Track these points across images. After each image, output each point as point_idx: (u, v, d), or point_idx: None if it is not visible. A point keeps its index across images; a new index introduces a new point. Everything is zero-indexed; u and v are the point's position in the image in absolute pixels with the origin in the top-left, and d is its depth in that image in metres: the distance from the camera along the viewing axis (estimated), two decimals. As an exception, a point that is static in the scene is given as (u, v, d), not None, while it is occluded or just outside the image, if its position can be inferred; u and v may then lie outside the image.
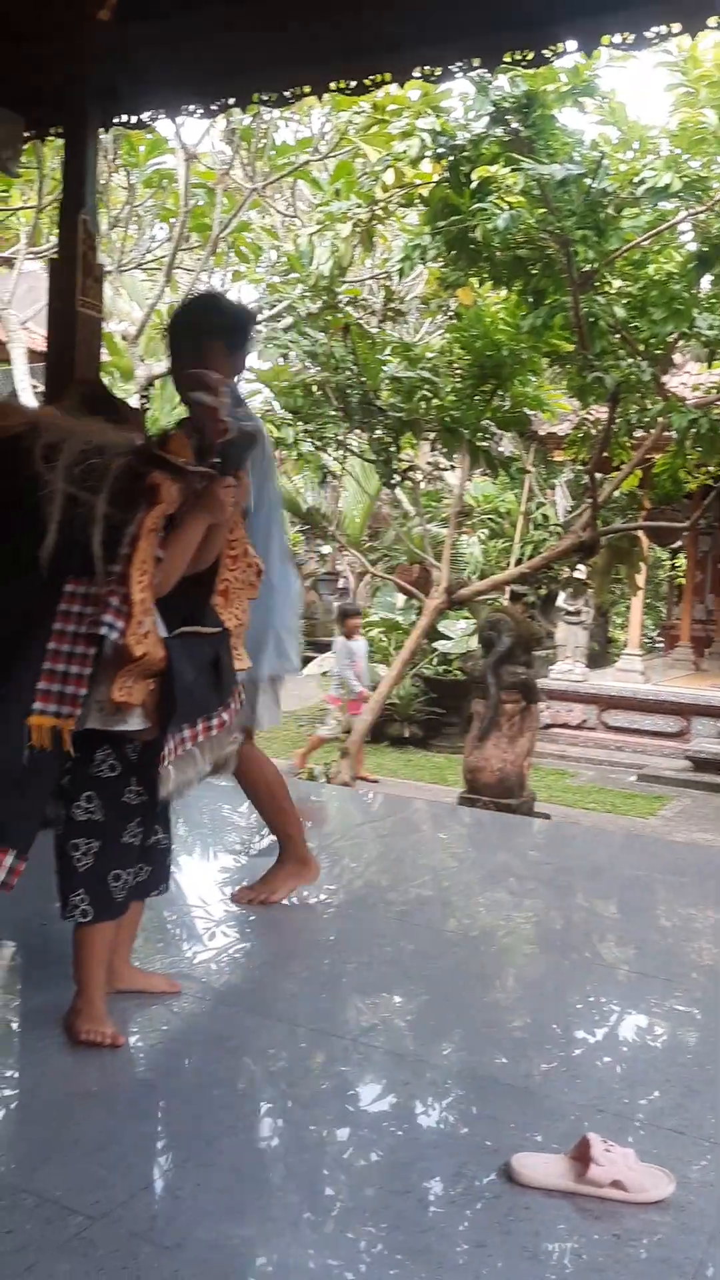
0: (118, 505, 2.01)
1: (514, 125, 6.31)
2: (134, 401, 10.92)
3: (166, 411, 14.85)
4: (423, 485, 10.93)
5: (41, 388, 11.46)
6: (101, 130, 4.60)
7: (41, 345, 11.65)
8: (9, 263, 10.17)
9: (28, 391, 10.82)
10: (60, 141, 6.22)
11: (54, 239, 10.18)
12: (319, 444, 9.17)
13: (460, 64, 4.19)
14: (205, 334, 2.69)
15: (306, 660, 17.02)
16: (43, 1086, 2.04)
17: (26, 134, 5.43)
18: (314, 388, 8.52)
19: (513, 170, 6.14)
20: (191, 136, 9.74)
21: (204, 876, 3.49)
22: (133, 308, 11.41)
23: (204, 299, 3.29)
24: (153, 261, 11.08)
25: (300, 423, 8.75)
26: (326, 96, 4.85)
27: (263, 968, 2.74)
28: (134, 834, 2.22)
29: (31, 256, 10.09)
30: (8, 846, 1.96)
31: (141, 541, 2.01)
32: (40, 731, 2.00)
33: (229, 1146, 1.86)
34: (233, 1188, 1.73)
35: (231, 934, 2.94)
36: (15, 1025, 2.38)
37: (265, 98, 4.62)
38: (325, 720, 9.90)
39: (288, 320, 9.11)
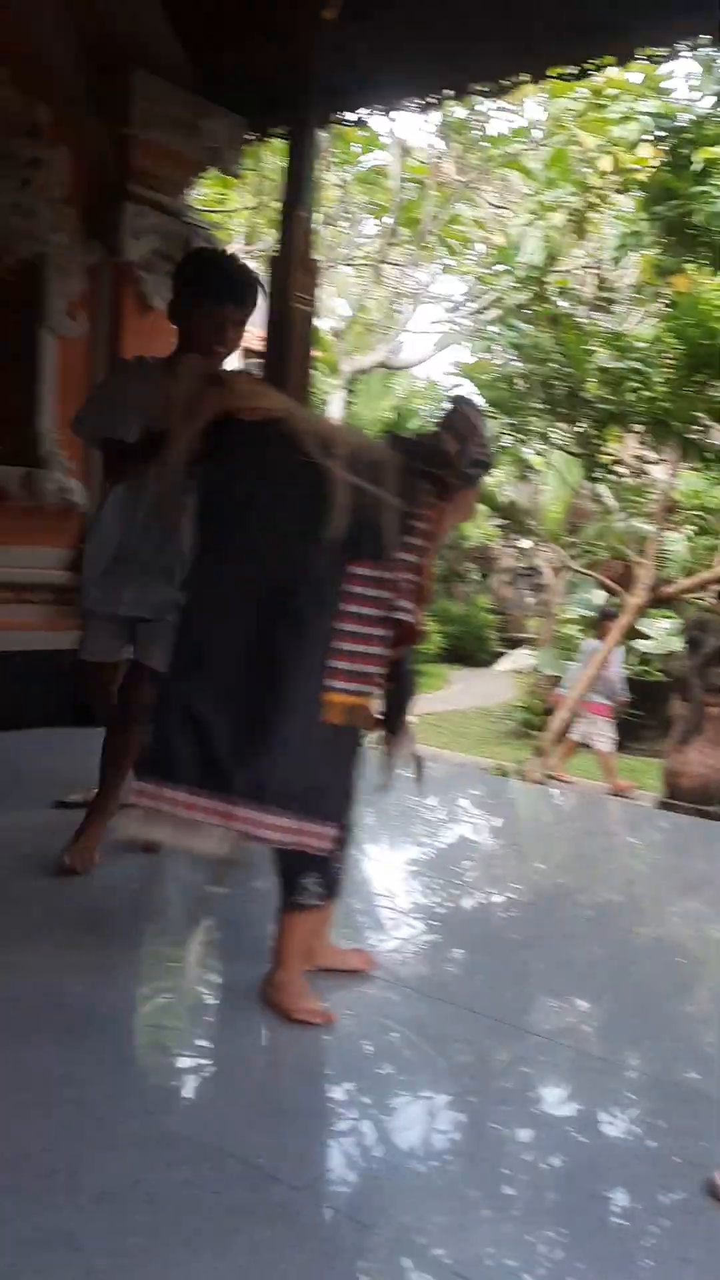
0: (405, 498, 2.13)
1: (741, 104, 6.04)
2: (338, 396, 11.14)
3: (369, 405, 15.06)
4: (628, 479, 10.62)
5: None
6: (321, 128, 4.69)
7: (254, 343, 12.07)
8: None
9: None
10: (277, 141, 6.41)
11: (268, 238, 10.50)
12: (521, 438, 9.08)
13: (687, 42, 4.04)
14: (213, 299, 2.79)
15: (498, 656, 16.93)
16: (248, 1056, 2.11)
17: (248, 136, 5.61)
18: (518, 380, 8.44)
19: (739, 151, 5.88)
20: (405, 131, 9.82)
21: (389, 868, 3.53)
22: (338, 303, 11.61)
23: (212, 257, 3.18)
24: (361, 257, 11.24)
25: (503, 416, 8.68)
26: (545, 83, 4.76)
27: (450, 961, 2.75)
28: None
29: (246, 257, 10.43)
30: (328, 821, 2.11)
31: (437, 534, 2.17)
32: (338, 708, 2.11)
33: (421, 1134, 1.88)
34: (425, 1175, 1.75)
35: (418, 925, 2.95)
36: (218, 997, 2.47)
37: (483, 88, 4.60)
38: (593, 728, 9.05)
39: (495, 313, 9.05)
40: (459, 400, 2.35)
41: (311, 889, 2.21)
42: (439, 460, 2.17)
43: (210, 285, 2.85)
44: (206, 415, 2.20)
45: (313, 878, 2.21)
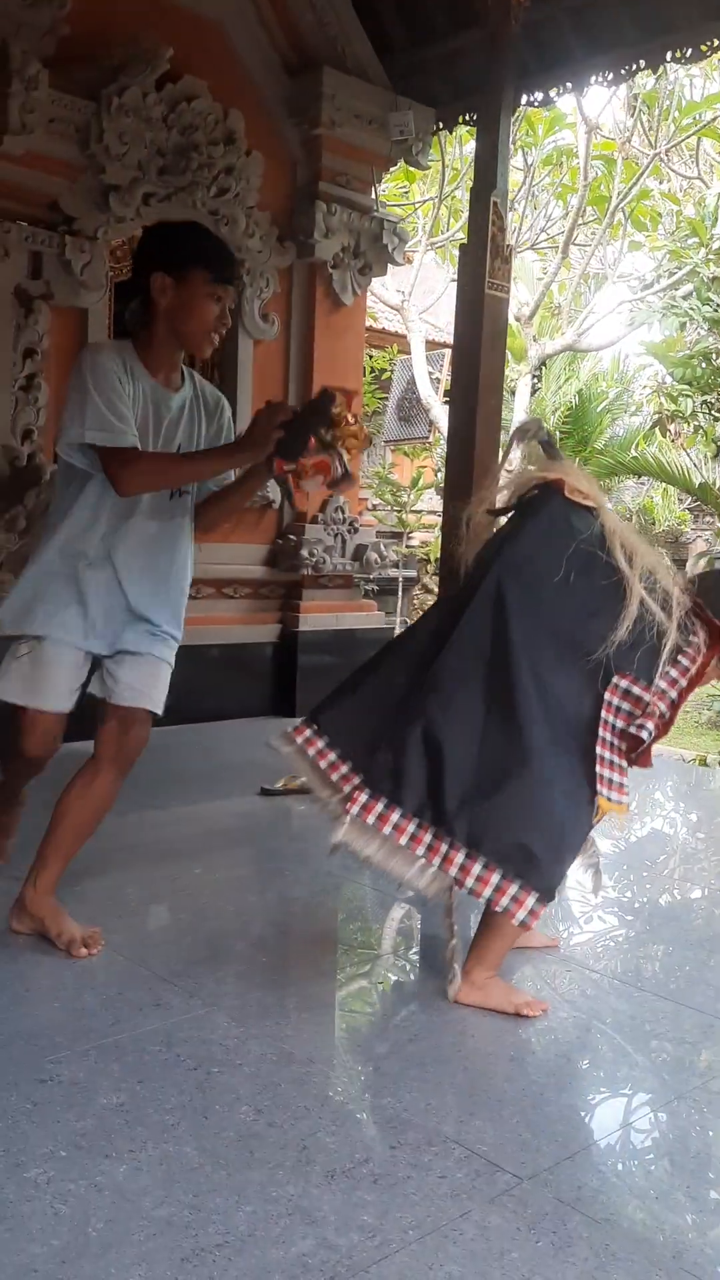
0: (682, 630, 2.26)
1: None
2: (526, 382, 10.99)
3: (554, 390, 14.79)
4: None
5: (439, 375, 11.87)
6: (511, 112, 4.64)
7: (435, 335, 12.05)
8: (409, 256, 10.58)
9: (425, 380, 11.24)
10: (463, 130, 6.38)
11: (452, 229, 10.46)
12: (718, 415, 8.72)
13: None
14: (188, 260, 2.40)
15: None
16: (466, 1046, 2.13)
17: (436, 125, 5.61)
18: (715, 355, 8.10)
19: None
20: (592, 108, 9.59)
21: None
22: (523, 289, 11.45)
23: (185, 225, 2.80)
24: (546, 240, 11.04)
25: (698, 393, 8.36)
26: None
27: (652, 957, 2.68)
28: None
29: (430, 248, 10.42)
30: (534, 891, 2.16)
31: (699, 677, 2.30)
32: (604, 814, 2.28)
33: (648, 1129, 1.85)
34: (658, 1172, 1.72)
35: (618, 919, 2.91)
36: (431, 988, 2.50)
37: (679, 55, 4.44)
38: None
39: (687, 288, 8.72)
40: None
41: (529, 907, 2.17)
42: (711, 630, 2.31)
43: (216, 257, 2.46)
44: (538, 480, 2.38)
45: (533, 897, 2.17)
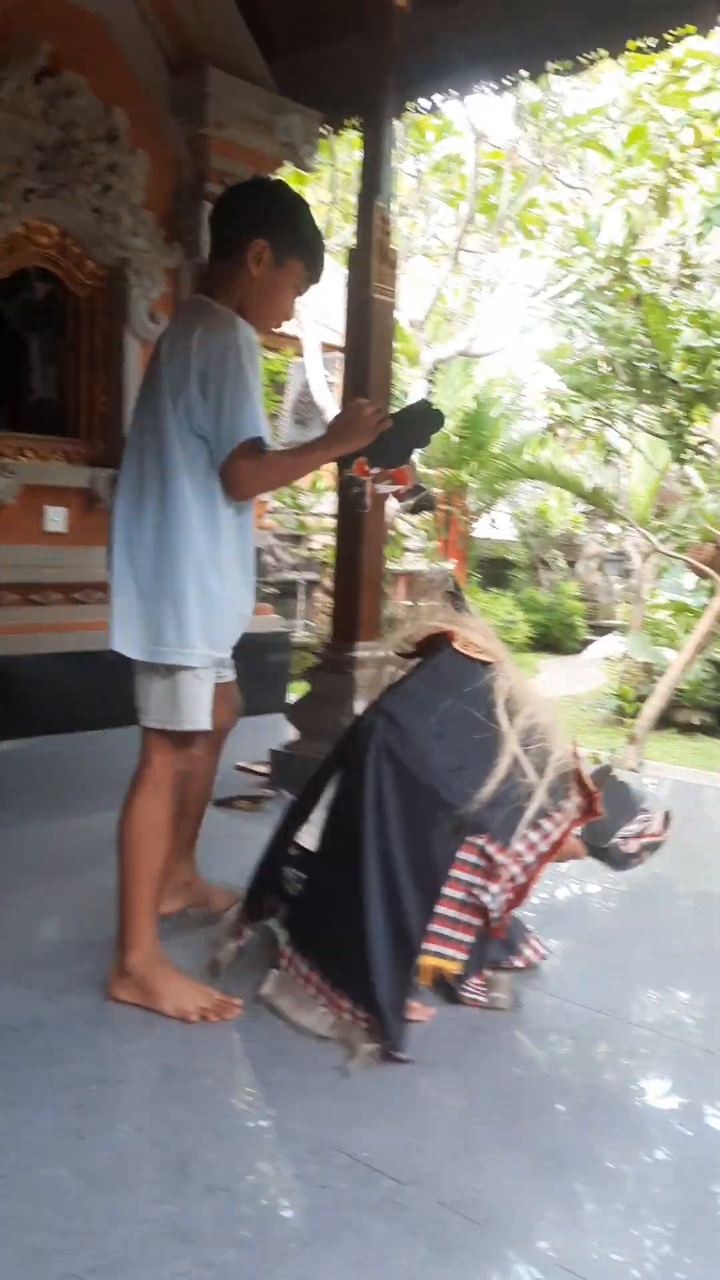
0: (553, 794, 2.21)
1: None
2: (421, 387, 11.09)
3: (450, 395, 14.97)
4: (717, 460, 10.37)
5: (334, 378, 11.88)
6: (397, 117, 4.66)
7: (331, 338, 12.07)
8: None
9: (320, 383, 11.25)
10: (352, 134, 6.40)
11: (344, 232, 10.50)
12: (605, 421, 8.92)
13: (770, 6, 3.91)
14: (295, 246, 2.23)
15: (587, 643, 16.70)
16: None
17: (323, 130, 5.61)
18: (601, 363, 8.29)
19: None
20: (479, 117, 9.72)
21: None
22: (416, 294, 11.56)
23: (303, 203, 2.37)
24: (438, 246, 11.17)
25: (586, 400, 8.54)
26: (623, 58, 4.67)
27: (549, 953, 2.71)
28: None
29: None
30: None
31: (558, 847, 2.23)
32: (427, 970, 2.20)
33: (525, 1129, 1.86)
34: (531, 1171, 1.73)
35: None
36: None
37: (560, 66, 4.52)
38: None
39: (575, 296, 8.91)
40: (615, 783, 2.46)
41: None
42: (593, 809, 2.26)
43: (318, 255, 2.32)
44: (431, 630, 2.39)
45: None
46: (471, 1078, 2.03)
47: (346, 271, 4.14)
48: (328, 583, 12.28)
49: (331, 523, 12.25)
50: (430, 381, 11.67)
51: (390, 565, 11.70)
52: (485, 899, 2.17)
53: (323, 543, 12.83)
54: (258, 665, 5.69)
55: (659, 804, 2.76)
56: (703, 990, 2.52)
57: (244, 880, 3.03)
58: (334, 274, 12.76)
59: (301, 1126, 1.82)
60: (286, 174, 7.61)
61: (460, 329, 11.01)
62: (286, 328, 12.74)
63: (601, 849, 2.45)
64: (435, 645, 2.42)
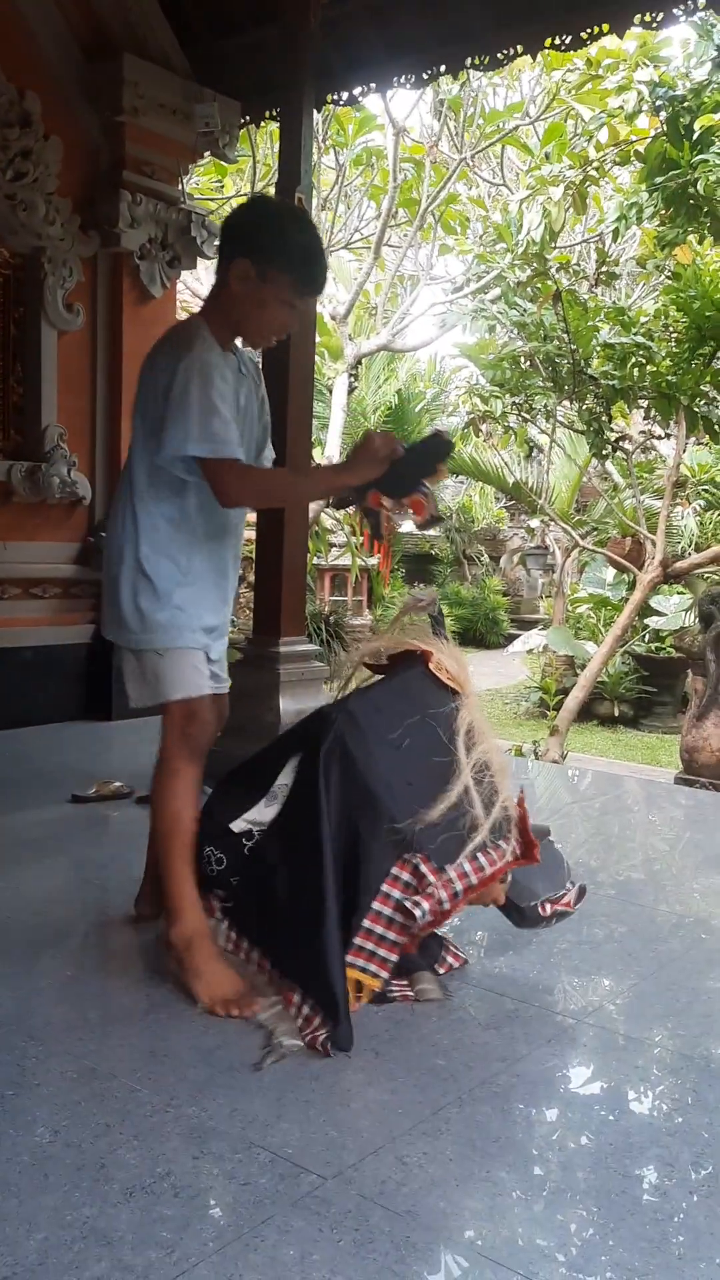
0: (495, 832, 2.24)
1: (740, 69, 5.96)
2: (343, 381, 11.08)
3: (373, 389, 14.99)
4: (635, 455, 10.56)
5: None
6: (315, 109, 4.64)
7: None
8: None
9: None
10: (273, 126, 6.36)
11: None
12: (526, 416, 9.02)
13: (682, 7, 3.98)
14: (278, 260, 2.26)
15: (510, 637, 16.89)
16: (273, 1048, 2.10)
17: (242, 120, 5.56)
18: (522, 359, 8.38)
19: (738, 117, 5.80)
20: (400, 111, 9.74)
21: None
22: (339, 289, 11.55)
23: (287, 213, 2.54)
24: (360, 241, 11.16)
25: (508, 395, 8.63)
26: (540, 56, 4.71)
27: (471, 943, 2.73)
28: None
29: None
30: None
31: (494, 883, 2.28)
32: (352, 983, 2.17)
33: (448, 1118, 1.86)
34: (455, 1160, 1.73)
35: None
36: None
37: (478, 61, 4.54)
38: None
39: (495, 292, 8.98)
40: (550, 846, 2.52)
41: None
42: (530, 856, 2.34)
43: (310, 268, 2.33)
44: (409, 646, 2.40)
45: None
46: (393, 1070, 2.03)
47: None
48: (250, 578, 12.22)
49: (252, 518, 12.21)
50: (353, 376, 11.66)
51: (315, 561, 11.67)
52: (417, 913, 2.16)
53: (246, 537, 12.76)
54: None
55: (583, 795, 2.79)
56: (624, 977, 2.55)
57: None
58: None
59: (223, 1124, 1.79)
60: (205, 164, 7.53)
61: (383, 323, 11.03)
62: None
63: (518, 906, 2.47)
64: (409, 661, 2.43)
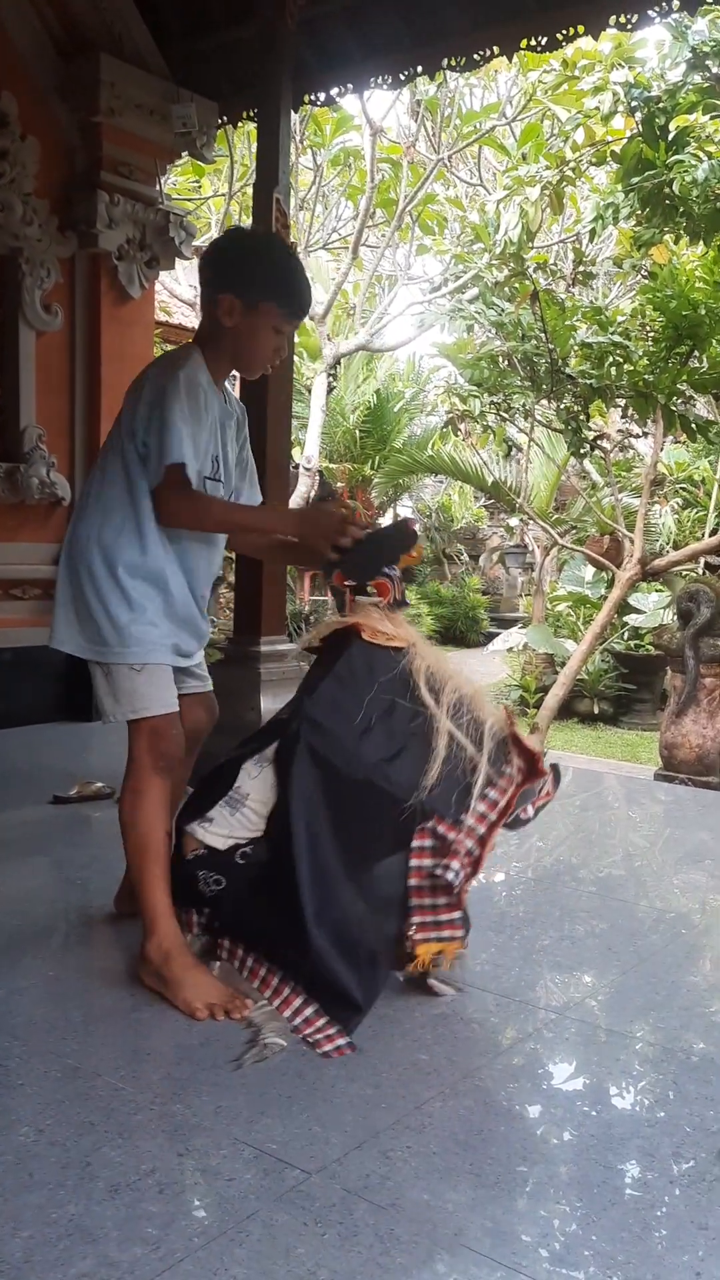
0: (494, 761, 2.22)
1: (714, 70, 6.00)
2: (322, 380, 11.09)
3: (352, 389, 14.99)
4: (613, 454, 10.61)
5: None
6: (293, 110, 4.64)
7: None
8: (201, 251, 10.46)
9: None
10: (251, 126, 6.36)
11: (241, 225, 10.42)
12: (505, 415, 9.05)
13: (657, 8, 4.01)
14: (262, 291, 2.32)
15: (490, 636, 16.94)
16: (257, 1045, 2.10)
17: (220, 120, 5.56)
18: (500, 358, 8.40)
19: (713, 117, 5.85)
20: (377, 111, 9.75)
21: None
22: (318, 289, 11.54)
23: (264, 244, 2.67)
24: (338, 241, 11.17)
25: (486, 395, 8.65)
26: (516, 57, 4.73)
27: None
28: None
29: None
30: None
31: (508, 810, 2.23)
32: (427, 956, 2.25)
33: (431, 1112, 1.87)
34: (439, 1154, 1.74)
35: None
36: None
37: (454, 62, 4.56)
38: None
39: (473, 291, 9.00)
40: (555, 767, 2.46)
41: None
42: (537, 769, 2.28)
43: (295, 294, 2.40)
44: (337, 626, 2.37)
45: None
46: (376, 1065, 2.04)
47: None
48: (231, 578, 12.21)
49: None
50: (331, 375, 11.67)
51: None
52: (449, 877, 2.18)
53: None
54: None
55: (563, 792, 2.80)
56: (605, 973, 2.57)
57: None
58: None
59: (207, 1121, 1.80)
60: (183, 163, 7.52)
61: (361, 323, 11.04)
62: (187, 320, 12.60)
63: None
64: (343, 640, 2.41)
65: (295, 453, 10.04)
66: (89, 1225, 1.51)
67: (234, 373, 2.53)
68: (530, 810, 2.43)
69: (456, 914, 2.26)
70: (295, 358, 9.14)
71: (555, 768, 2.51)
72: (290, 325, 2.44)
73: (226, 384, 2.54)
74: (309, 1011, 2.16)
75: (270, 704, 3.99)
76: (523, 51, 4.53)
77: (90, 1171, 1.64)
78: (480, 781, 2.21)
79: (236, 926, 2.34)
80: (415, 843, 2.22)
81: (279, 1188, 1.62)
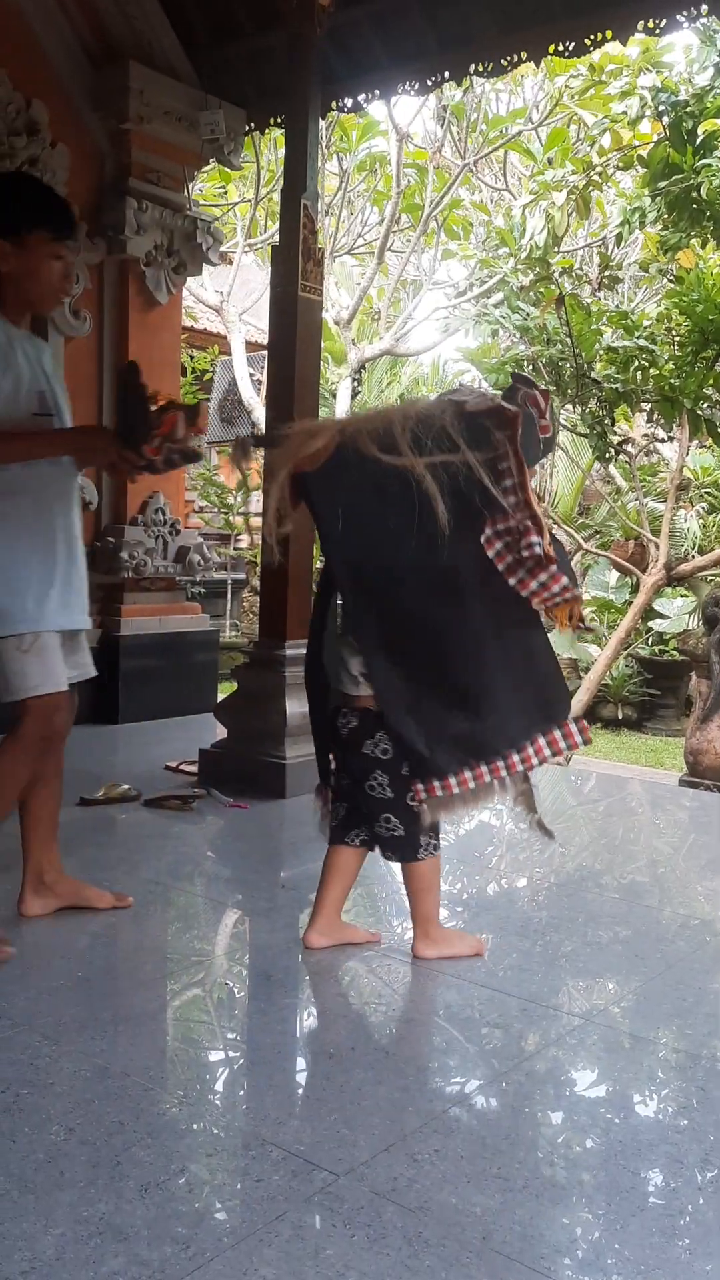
0: (476, 445, 2.19)
1: (743, 74, 5.99)
2: (346, 385, 11.11)
3: (376, 394, 15.00)
4: (638, 459, 10.58)
5: (260, 376, 11.84)
6: (320, 116, 4.67)
7: (257, 337, 12.04)
8: (227, 257, 10.50)
9: (246, 381, 11.20)
10: (278, 132, 6.39)
11: (270, 231, 10.47)
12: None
13: (686, 13, 4.00)
14: (25, 221, 2.37)
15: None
16: (285, 1046, 2.13)
17: (247, 127, 5.59)
18: (525, 363, 8.39)
19: (741, 122, 5.83)
20: (403, 117, 9.77)
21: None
22: (342, 293, 11.57)
23: (12, 179, 2.81)
24: (364, 246, 11.19)
25: (512, 399, 8.63)
26: (543, 62, 4.74)
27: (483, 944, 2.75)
28: None
29: (249, 249, 10.38)
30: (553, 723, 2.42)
31: (520, 462, 2.21)
32: (564, 615, 2.31)
33: (457, 1117, 1.88)
34: (466, 1158, 1.75)
35: (445, 910, 2.96)
36: (250, 988, 2.48)
37: (481, 68, 4.57)
38: None
39: (498, 296, 9.00)
40: (521, 379, 2.39)
41: (426, 844, 2.45)
42: (497, 416, 2.21)
43: (55, 214, 2.45)
44: (281, 484, 2.31)
45: (426, 835, 2.42)
46: (403, 1068, 2.05)
47: (271, 269, 4.14)
48: (256, 582, 12.24)
49: (258, 522, 12.21)
50: (356, 380, 11.69)
51: (319, 564, 11.70)
52: (536, 549, 2.20)
53: (250, 542, 12.78)
54: (185, 664, 5.67)
55: (588, 798, 2.81)
56: (630, 979, 2.57)
57: (170, 877, 3.03)
58: (257, 271, 12.68)
59: (237, 1122, 1.82)
60: (210, 170, 7.55)
61: (386, 328, 11.06)
62: (212, 326, 12.65)
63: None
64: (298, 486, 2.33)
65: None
66: (120, 1224, 1.53)
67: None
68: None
69: (557, 569, 2.25)
70: (321, 363, 9.17)
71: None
72: (65, 248, 2.46)
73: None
74: (545, 748, 2.38)
75: (295, 708, 4.00)
76: (550, 57, 4.53)
77: (121, 1171, 1.66)
78: (485, 474, 2.19)
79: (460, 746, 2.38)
80: (488, 552, 2.23)
81: (308, 1189, 1.64)
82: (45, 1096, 1.87)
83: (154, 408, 2.33)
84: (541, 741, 2.38)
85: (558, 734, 2.40)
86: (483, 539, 2.24)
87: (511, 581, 2.25)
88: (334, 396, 11.51)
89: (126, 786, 3.98)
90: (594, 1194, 1.68)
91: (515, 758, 2.36)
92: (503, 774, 2.36)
